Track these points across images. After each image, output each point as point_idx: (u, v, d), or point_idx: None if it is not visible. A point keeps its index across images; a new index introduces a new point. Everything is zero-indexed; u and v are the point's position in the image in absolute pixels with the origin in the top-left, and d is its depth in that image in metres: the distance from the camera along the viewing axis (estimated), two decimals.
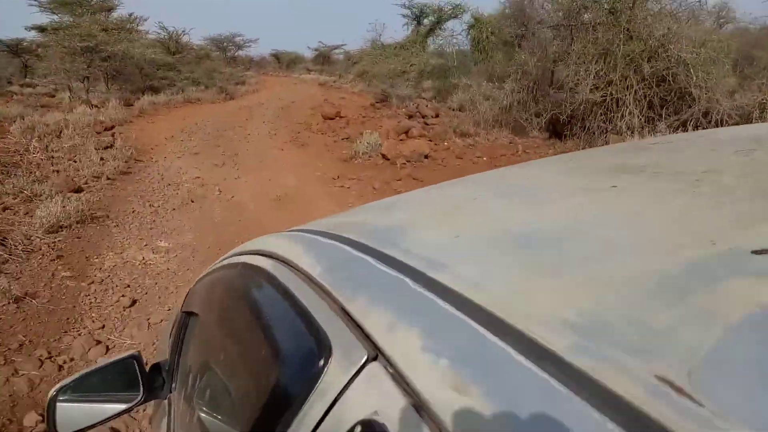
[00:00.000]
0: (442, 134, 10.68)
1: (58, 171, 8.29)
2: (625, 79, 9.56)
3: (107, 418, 1.35)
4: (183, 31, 28.87)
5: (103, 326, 4.10)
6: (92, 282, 4.79)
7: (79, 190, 7.44)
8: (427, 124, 11.46)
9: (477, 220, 0.86)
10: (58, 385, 1.30)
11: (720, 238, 0.56)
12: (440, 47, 19.48)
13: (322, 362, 0.62)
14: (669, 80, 9.45)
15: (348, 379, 0.56)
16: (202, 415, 1.11)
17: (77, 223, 6.13)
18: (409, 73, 18.60)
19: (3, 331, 3.85)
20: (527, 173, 1.18)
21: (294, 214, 6.60)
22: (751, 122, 8.30)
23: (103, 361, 1.44)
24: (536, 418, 0.38)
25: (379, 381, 0.53)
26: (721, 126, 8.10)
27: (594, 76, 9.67)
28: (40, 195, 6.83)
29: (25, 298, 4.32)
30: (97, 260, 5.33)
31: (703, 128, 7.21)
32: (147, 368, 1.44)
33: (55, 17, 20.71)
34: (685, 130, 8.79)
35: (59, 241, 5.63)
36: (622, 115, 9.48)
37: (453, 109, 13.40)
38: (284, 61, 51.20)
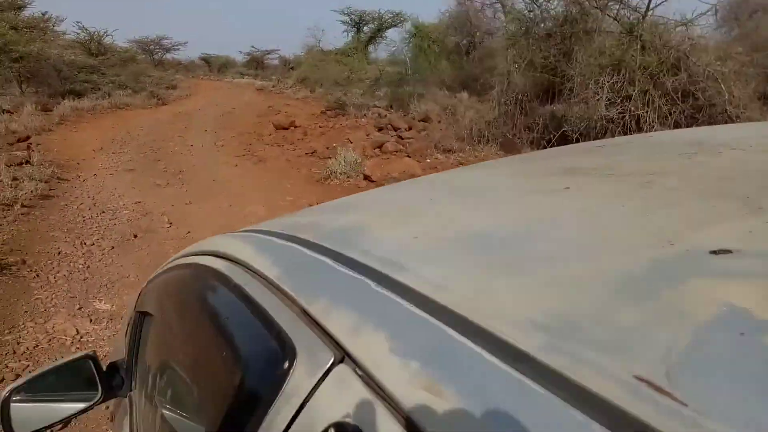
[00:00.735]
0: (422, 150, 9.41)
1: None
2: (645, 94, 8.54)
3: (66, 417, 1.34)
4: (105, 32, 26.27)
5: None
6: (1, 380, 3.17)
7: None
8: (402, 138, 10.14)
9: (434, 220, 0.83)
10: (10, 386, 1.23)
11: (676, 238, 0.56)
12: (393, 54, 18.19)
13: (286, 365, 0.60)
14: (696, 96, 8.41)
15: (315, 382, 0.54)
16: (166, 412, 1.08)
17: None
18: (363, 80, 17.24)
19: None
20: (480, 174, 1.18)
21: None
22: None
23: (56, 362, 1.37)
24: (516, 418, 0.37)
25: (348, 383, 0.51)
26: None
27: (609, 90, 8.60)
28: None
29: None
30: (9, 337, 3.69)
31: None
32: (104, 367, 1.40)
33: None
34: None
35: None
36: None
37: (419, 120, 12.15)
38: (215, 65, 48.51)
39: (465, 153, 9.57)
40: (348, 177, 8.11)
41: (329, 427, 0.49)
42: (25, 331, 3.77)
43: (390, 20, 26.40)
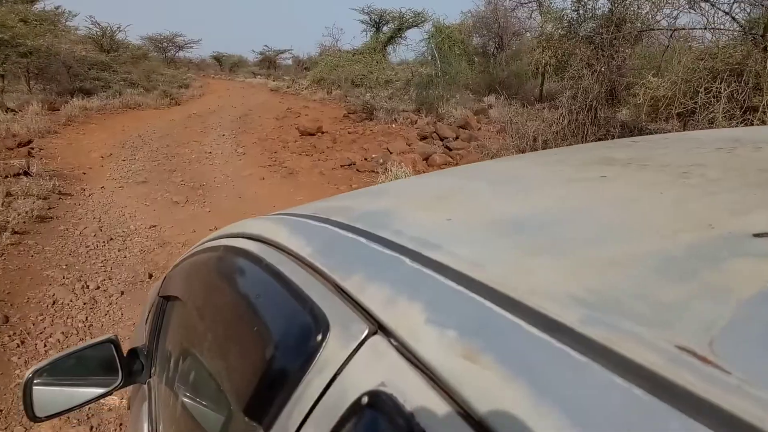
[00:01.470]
0: None
1: None
2: None
3: (85, 402, 1.32)
4: (118, 28, 25.01)
5: None
6: None
7: None
8: (450, 149, 8.80)
9: (468, 205, 0.83)
10: (33, 368, 1.23)
11: (717, 223, 0.55)
12: (422, 55, 16.89)
13: (319, 338, 0.59)
14: None
15: (349, 354, 0.54)
16: (185, 399, 1.09)
17: None
18: (390, 81, 15.95)
19: None
20: (513, 165, 1.15)
21: None
22: None
23: (78, 345, 1.36)
24: (557, 384, 0.36)
25: (382, 354, 0.50)
26: None
27: (727, 100, 7.24)
28: None
29: None
30: None
31: None
32: (125, 353, 1.38)
33: None
34: None
35: None
36: None
37: (458, 127, 10.87)
38: (226, 65, 47.19)
39: None
40: None
41: (363, 395, 0.48)
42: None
43: (411, 20, 25.05)
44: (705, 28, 8.02)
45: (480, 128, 10.93)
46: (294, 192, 7.47)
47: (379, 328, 0.53)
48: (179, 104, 18.76)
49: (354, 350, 0.54)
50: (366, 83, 15.83)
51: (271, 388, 0.66)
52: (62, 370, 1.29)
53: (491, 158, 8.31)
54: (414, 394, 0.44)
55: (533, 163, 1.13)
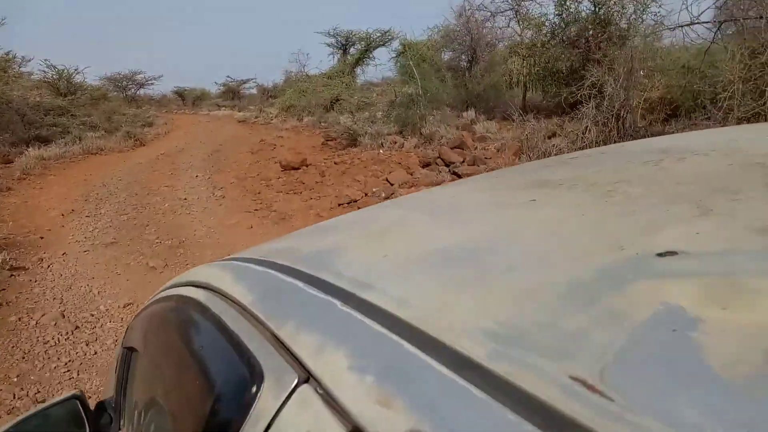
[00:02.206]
0: None
1: None
2: None
3: None
4: (76, 70, 23.61)
5: None
6: None
7: None
8: (459, 175, 7.74)
9: (405, 239, 0.85)
10: None
11: (628, 243, 0.57)
12: (396, 74, 16.00)
13: (254, 389, 0.60)
14: None
15: (280, 404, 0.54)
16: None
17: None
18: (374, 104, 15.01)
19: None
20: (453, 192, 1.19)
21: None
22: None
23: (42, 405, 1.34)
24: (460, 425, 0.38)
25: (309, 403, 0.51)
26: None
27: None
28: None
29: None
30: None
31: None
32: (92, 407, 1.38)
33: None
34: None
35: None
36: None
37: (452, 148, 9.93)
38: (189, 99, 45.76)
39: None
40: None
41: None
42: None
43: (378, 39, 24.31)
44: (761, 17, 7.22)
45: (476, 147, 10.00)
46: None
47: (309, 376, 0.53)
48: (144, 144, 17.51)
49: (284, 400, 0.53)
50: (346, 107, 14.80)
51: None
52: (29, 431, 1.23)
53: None
54: None
55: (474, 188, 1.17)
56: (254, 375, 0.61)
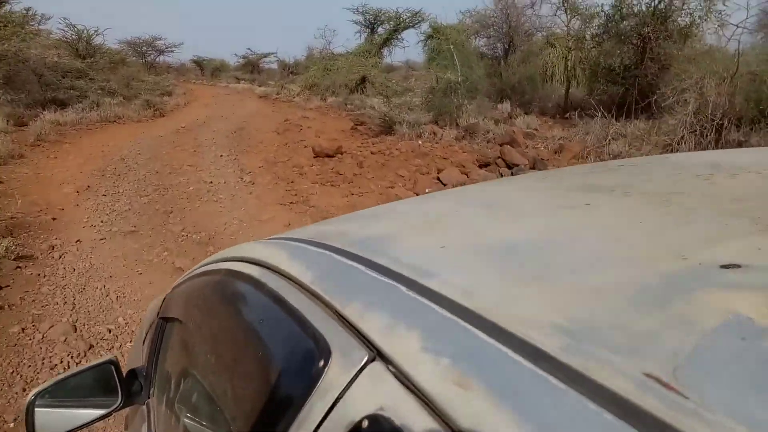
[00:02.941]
0: None
1: None
2: None
3: (86, 423, 1.30)
4: (96, 31, 22.58)
5: None
6: None
7: None
8: None
9: (460, 231, 0.84)
10: (36, 390, 1.24)
11: (690, 253, 0.57)
12: (436, 56, 14.94)
13: (321, 363, 0.60)
14: None
15: (350, 379, 0.55)
16: (186, 420, 1.08)
17: None
18: (411, 90, 14.02)
19: None
20: (503, 188, 1.19)
21: None
22: None
23: (80, 367, 1.37)
24: (539, 410, 0.39)
25: (381, 380, 0.52)
26: None
27: None
28: None
29: None
30: None
31: None
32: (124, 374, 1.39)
33: None
34: None
35: None
36: None
37: (500, 144, 9.00)
38: (207, 69, 44.51)
39: None
40: None
41: (363, 419, 0.49)
42: None
43: (408, 20, 23.13)
44: None
45: (527, 146, 9.07)
46: None
47: (377, 354, 0.54)
48: (164, 115, 16.62)
49: (354, 376, 0.54)
50: (380, 90, 13.81)
51: (275, 411, 0.67)
52: (63, 392, 1.29)
53: None
54: (410, 418, 0.45)
55: (521, 188, 1.15)
56: (321, 350, 0.61)
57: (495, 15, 17.66)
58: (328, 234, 0.96)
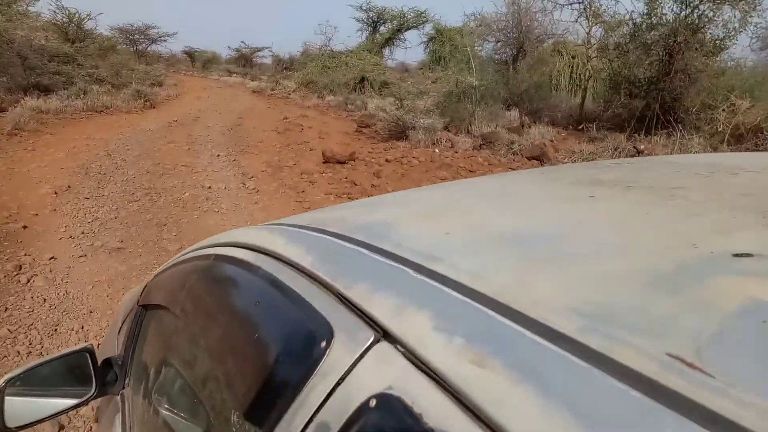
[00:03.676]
0: None
1: None
2: None
3: (58, 412, 1.25)
4: (88, 15, 21.28)
5: None
6: None
7: None
8: None
9: (463, 220, 0.81)
10: (6, 376, 1.16)
11: (701, 242, 0.56)
12: (438, 58, 14.04)
13: (323, 344, 0.58)
14: None
15: (355, 359, 0.53)
16: (164, 411, 1.04)
17: None
18: (427, 93, 13.08)
19: None
20: (501, 183, 1.14)
21: None
22: None
23: (54, 354, 1.28)
24: (562, 387, 0.38)
25: (389, 359, 0.50)
26: None
27: None
28: None
29: None
30: None
31: None
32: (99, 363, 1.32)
33: None
34: None
35: None
36: None
37: (528, 158, 8.14)
38: (199, 61, 43.08)
39: None
40: None
41: (371, 398, 0.48)
42: None
43: (412, 20, 22.17)
44: None
45: (558, 161, 8.23)
46: None
47: (384, 335, 0.52)
48: (154, 107, 15.48)
49: (360, 356, 0.53)
50: (396, 94, 12.84)
51: (274, 393, 0.65)
52: (36, 379, 1.23)
53: None
54: (423, 396, 0.44)
55: (523, 181, 1.12)
56: (322, 331, 0.60)
57: (505, 19, 16.77)
58: (324, 221, 0.91)
